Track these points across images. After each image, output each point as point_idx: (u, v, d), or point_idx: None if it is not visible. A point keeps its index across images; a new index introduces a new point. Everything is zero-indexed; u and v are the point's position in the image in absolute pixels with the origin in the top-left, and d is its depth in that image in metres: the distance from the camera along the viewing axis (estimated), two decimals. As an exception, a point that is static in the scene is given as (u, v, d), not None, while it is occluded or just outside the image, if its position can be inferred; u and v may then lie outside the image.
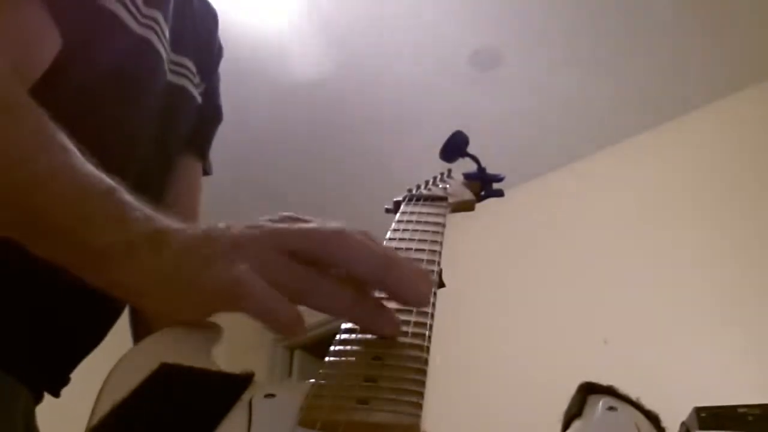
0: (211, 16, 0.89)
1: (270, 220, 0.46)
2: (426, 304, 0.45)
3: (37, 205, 0.45)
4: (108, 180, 0.46)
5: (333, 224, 0.44)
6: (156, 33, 0.69)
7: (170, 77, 0.74)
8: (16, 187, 0.45)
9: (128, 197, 0.46)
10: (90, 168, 0.46)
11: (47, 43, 0.55)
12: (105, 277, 0.45)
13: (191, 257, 0.43)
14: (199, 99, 0.80)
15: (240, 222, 0.45)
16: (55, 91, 0.50)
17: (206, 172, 0.86)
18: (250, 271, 0.41)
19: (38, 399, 0.64)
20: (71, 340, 0.66)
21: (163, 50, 0.71)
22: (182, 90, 0.77)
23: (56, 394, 0.65)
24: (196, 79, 0.80)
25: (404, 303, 0.45)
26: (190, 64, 0.78)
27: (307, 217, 0.47)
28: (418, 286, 0.44)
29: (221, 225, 0.45)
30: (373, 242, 0.44)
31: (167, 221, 0.45)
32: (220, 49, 0.90)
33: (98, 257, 0.44)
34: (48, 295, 0.60)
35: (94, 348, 0.69)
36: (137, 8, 0.65)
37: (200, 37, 0.82)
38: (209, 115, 0.85)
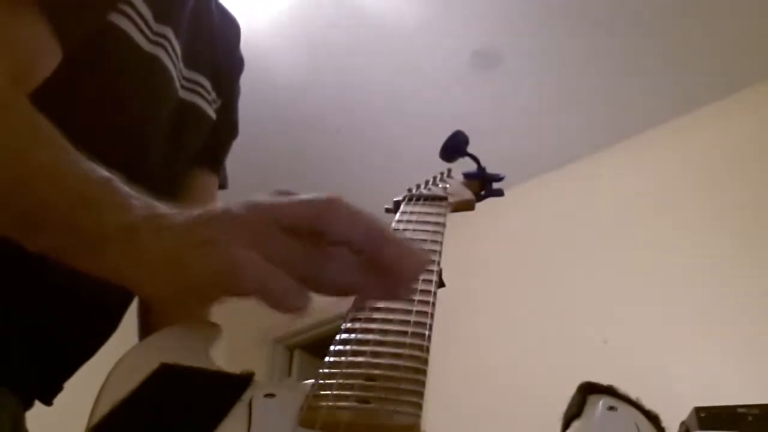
0: (233, 29, 0.88)
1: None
2: (417, 277, 0.44)
3: (37, 195, 0.45)
4: (105, 172, 0.46)
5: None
6: (166, 50, 0.68)
7: (182, 94, 0.74)
8: (16, 181, 0.45)
9: (126, 187, 0.46)
10: (88, 162, 0.46)
11: (45, 56, 0.55)
12: (105, 263, 0.44)
13: (190, 238, 0.42)
14: (213, 115, 0.79)
15: (237, 201, 0.45)
16: (60, 104, 0.50)
17: (222, 185, 0.86)
18: (250, 253, 0.40)
19: (28, 405, 0.64)
20: (63, 350, 0.66)
21: (174, 67, 0.70)
22: (194, 107, 0.76)
23: (47, 402, 0.65)
24: (211, 96, 0.79)
25: (397, 275, 0.42)
26: (204, 80, 0.77)
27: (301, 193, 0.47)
28: (415, 256, 0.42)
29: (219, 205, 0.45)
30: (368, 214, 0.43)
31: (165, 207, 0.45)
32: (240, 61, 0.89)
33: (99, 242, 0.43)
34: (41, 304, 0.60)
35: (86, 359, 0.69)
36: (147, 25, 0.65)
37: (218, 53, 0.81)
38: (224, 129, 0.84)
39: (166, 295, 0.45)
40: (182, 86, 0.74)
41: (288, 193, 0.47)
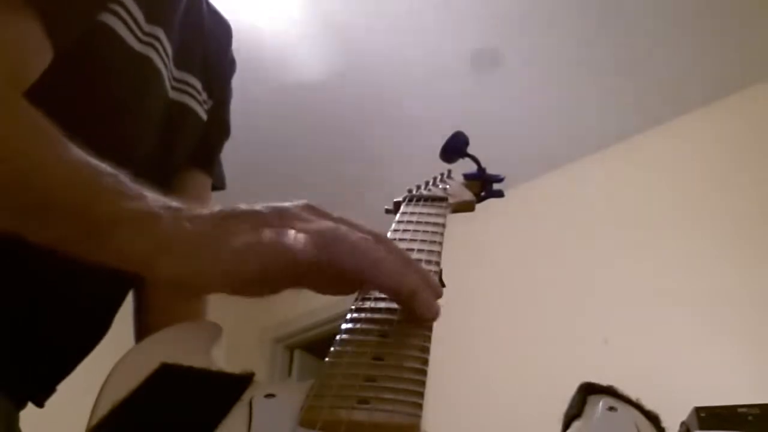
0: (224, 31, 0.88)
1: (292, 205, 0.47)
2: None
3: (42, 187, 0.45)
4: (110, 167, 0.47)
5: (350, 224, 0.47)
6: (157, 51, 0.68)
7: (172, 94, 0.74)
8: (19, 174, 0.45)
9: (134, 182, 0.47)
10: (91, 157, 0.47)
11: (38, 56, 0.55)
12: (113, 246, 0.44)
13: (211, 225, 0.44)
14: (204, 116, 0.80)
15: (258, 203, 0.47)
16: (49, 103, 0.50)
17: (217, 186, 0.86)
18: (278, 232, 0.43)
19: (20, 405, 0.64)
20: (55, 352, 0.65)
21: (164, 68, 0.70)
22: (184, 107, 0.76)
23: (40, 404, 0.65)
24: (202, 96, 0.79)
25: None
26: (195, 81, 0.78)
27: (324, 210, 0.48)
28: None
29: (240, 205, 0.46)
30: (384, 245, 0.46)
31: (178, 201, 0.46)
32: (232, 63, 0.89)
33: (108, 228, 0.44)
34: (32, 306, 0.60)
35: (79, 362, 0.69)
36: (138, 25, 0.65)
37: (209, 54, 0.82)
38: (215, 129, 0.84)
39: (180, 276, 0.44)
40: (172, 87, 0.74)
41: (311, 208, 0.48)
